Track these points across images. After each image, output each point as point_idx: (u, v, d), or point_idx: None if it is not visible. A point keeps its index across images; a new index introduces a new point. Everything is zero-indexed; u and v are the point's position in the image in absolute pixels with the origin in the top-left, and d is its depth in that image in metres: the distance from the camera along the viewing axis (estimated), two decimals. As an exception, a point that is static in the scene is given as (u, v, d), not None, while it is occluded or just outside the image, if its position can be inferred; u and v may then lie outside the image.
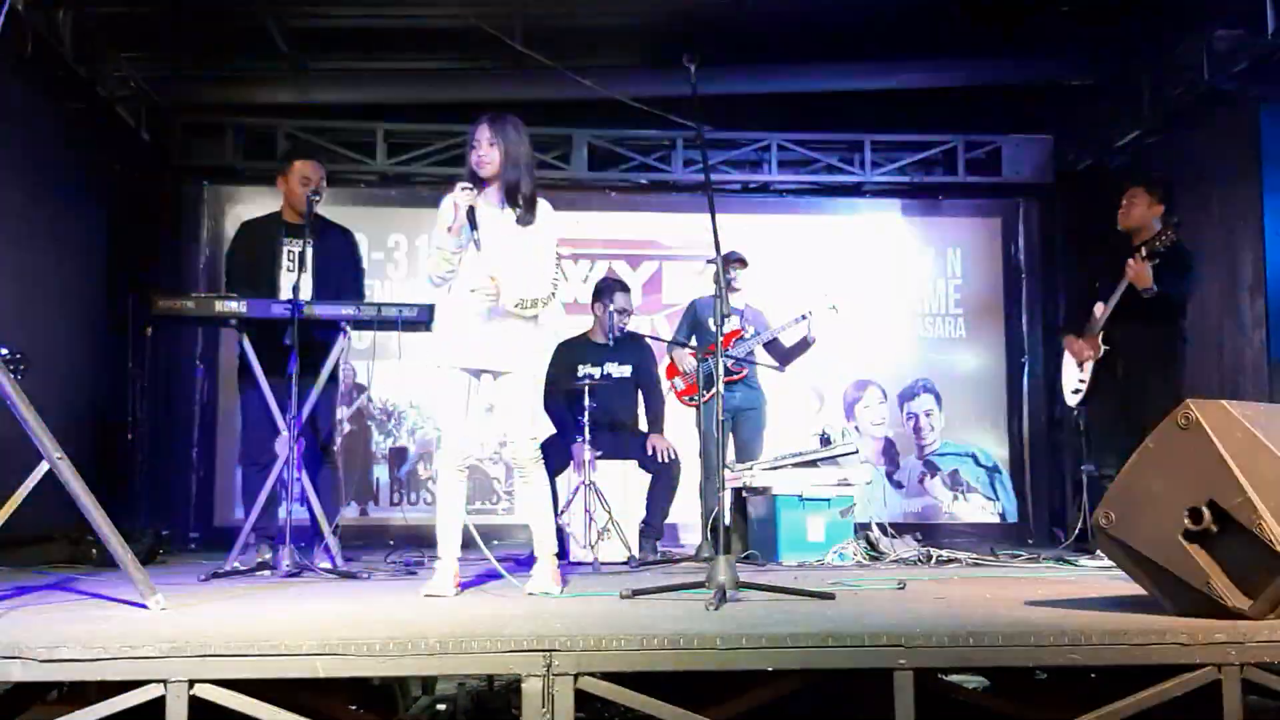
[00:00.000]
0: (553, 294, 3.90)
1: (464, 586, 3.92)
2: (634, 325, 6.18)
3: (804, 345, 6.22)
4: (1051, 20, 6.74)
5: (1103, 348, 5.47)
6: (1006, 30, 6.91)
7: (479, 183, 3.82)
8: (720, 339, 4.01)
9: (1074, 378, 5.68)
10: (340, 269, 5.10)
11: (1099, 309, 5.48)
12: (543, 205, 3.90)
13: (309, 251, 4.82)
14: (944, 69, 7.34)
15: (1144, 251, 5.24)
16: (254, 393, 4.77)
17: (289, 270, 4.99)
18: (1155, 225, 5.34)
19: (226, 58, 7.40)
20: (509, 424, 3.87)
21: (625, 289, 6.13)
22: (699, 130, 4.11)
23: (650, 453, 5.75)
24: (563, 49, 7.20)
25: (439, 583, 3.73)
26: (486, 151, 3.81)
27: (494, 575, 4.21)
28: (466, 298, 3.81)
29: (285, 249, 5.02)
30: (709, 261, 6.32)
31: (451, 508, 3.87)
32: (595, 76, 7.20)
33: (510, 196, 3.85)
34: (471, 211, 3.76)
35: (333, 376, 4.97)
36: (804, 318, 6.14)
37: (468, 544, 3.93)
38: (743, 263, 6.23)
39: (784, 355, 6.30)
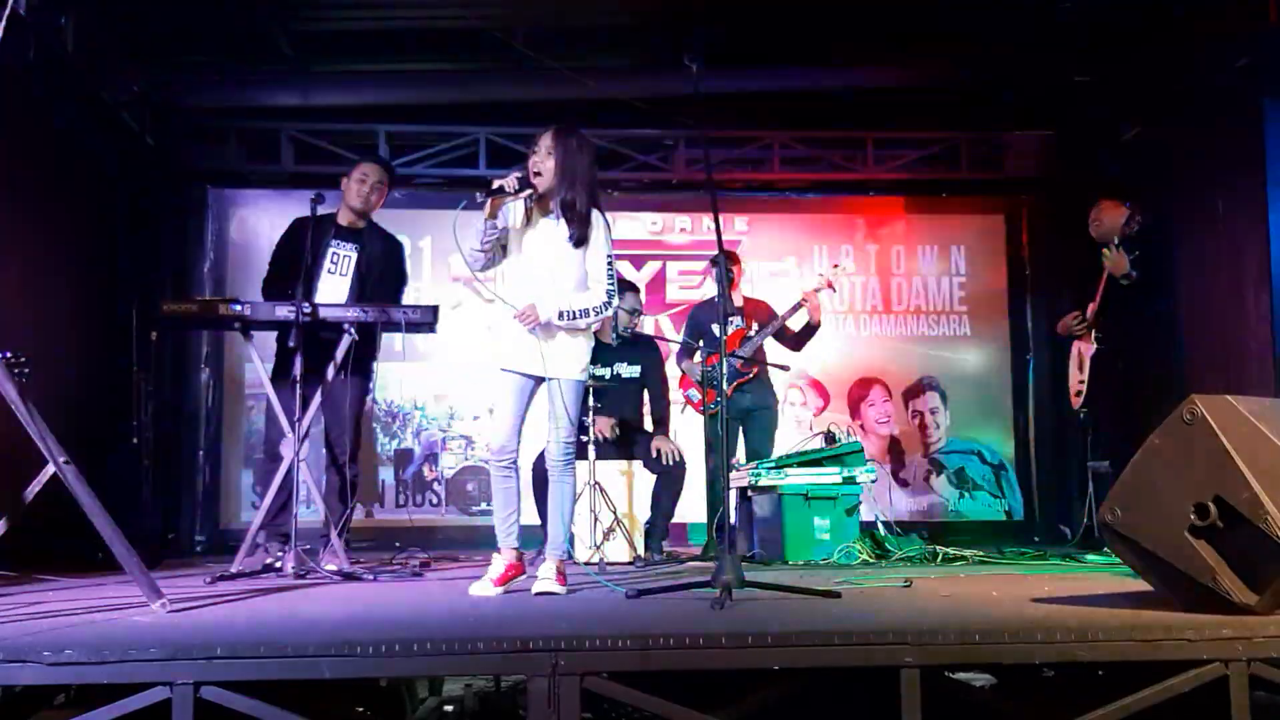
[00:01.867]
0: (607, 303, 3.96)
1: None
2: (639, 325, 6.18)
3: (810, 330, 6.20)
4: (1053, 16, 6.72)
5: (1094, 343, 5.63)
6: (1008, 27, 6.90)
7: (528, 186, 3.84)
8: (724, 339, 4.00)
9: (1075, 379, 5.82)
10: (381, 277, 5.15)
11: (1091, 309, 5.63)
12: (596, 218, 3.94)
13: (353, 255, 5.01)
14: (947, 66, 7.32)
15: (1116, 240, 5.54)
16: (287, 390, 4.77)
17: (330, 272, 5.04)
18: (1122, 223, 5.65)
19: (229, 61, 7.40)
20: (550, 427, 3.94)
21: (634, 289, 6.14)
22: (701, 129, 4.12)
23: (655, 455, 5.75)
24: (565, 49, 7.19)
25: (482, 582, 3.83)
26: (542, 160, 3.85)
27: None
28: (517, 301, 3.87)
29: (331, 250, 5.07)
30: (712, 261, 6.39)
31: (504, 504, 3.94)
32: (597, 76, 7.20)
33: (566, 213, 3.89)
34: (502, 192, 3.78)
35: (365, 377, 5.01)
36: (801, 304, 6.13)
37: (468, 543, 3.95)
38: (731, 259, 6.24)
39: (794, 342, 6.29)
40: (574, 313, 3.88)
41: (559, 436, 3.92)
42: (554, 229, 3.92)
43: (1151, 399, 5.36)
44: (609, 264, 3.98)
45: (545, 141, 3.87)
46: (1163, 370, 5.45)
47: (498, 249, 3.94)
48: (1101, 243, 5.68)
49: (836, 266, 6.34)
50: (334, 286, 5.05)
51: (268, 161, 7.84)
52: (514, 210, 3.92)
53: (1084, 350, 5.81)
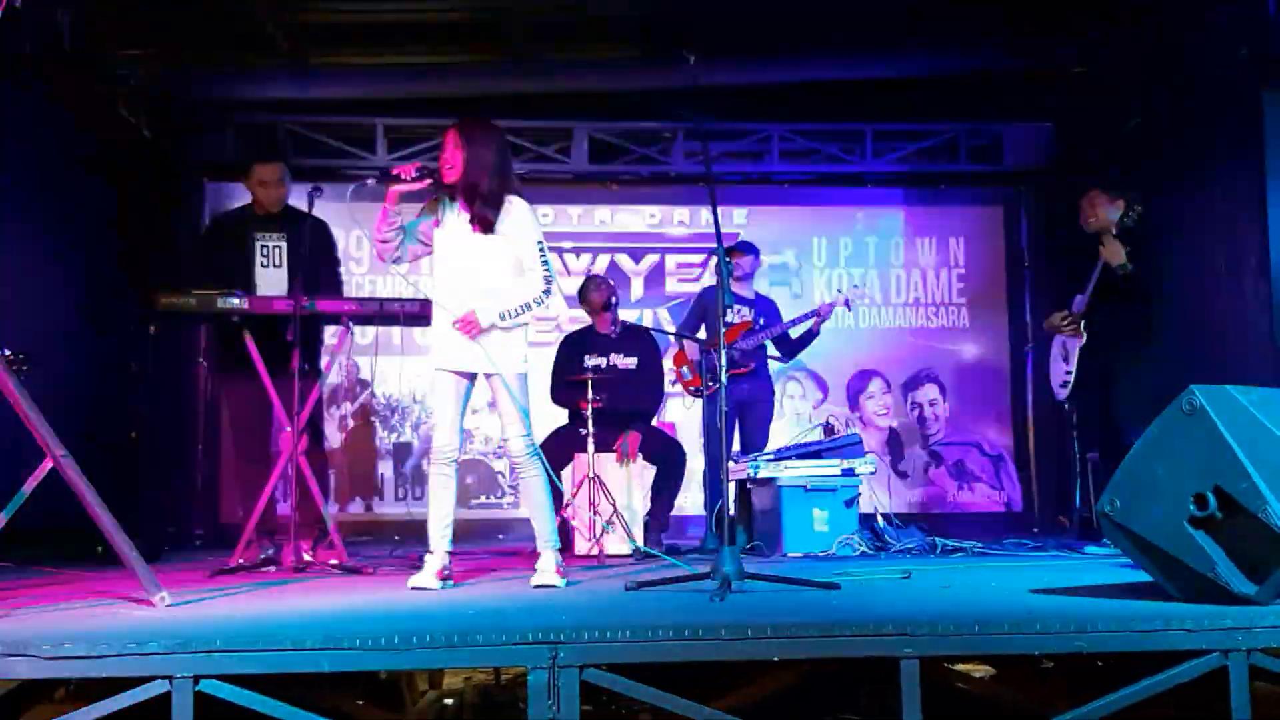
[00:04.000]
0: (547, 290, 3.88)
1: (458, 580, 3.95)
2: (635, 318, 6.19)
3: (809, 337, 6.22)
4: (1051, 6, 6.71)
5: (1084, 335, 5.61)
6: (1006, 17, 6.88)
7: (429, 176, 3.82)
8: (722, 332, 3.99)
9: (1061, 370, 5.83)
10: (317, 260, 5.02)
11: (1077, 300, 5.62)
12: (515, 205, 3.87)
13: (284, 245, 4.89)
14: (944, 57, 7.31)
15: (1114, 230, 5.47)
16: (243, 388, 4.75)
17: (263, 265, 4.97)
18: (1117, 216, 5.56)
19: (226, 54, 7.38)
20: (503, 423, 3.92)
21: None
22: (699, 122, 4.10)
23: (615, 446, 5.73)
24: (563, 42, 7.18)
25: (425, 575, 3.78)
26: (450, 154, 3.81)
27: (491, 568, 4.19)
28: (446, 300, 3.85)
29: (259, 243, 5.00)
30: (712, 253, 6.40)
31: (441, 501, 3.89)
32: (595, 69, 7.18)
33: (469, 199, 3.84)
34: (397, 179, 3.81)
35: (317, 371, 4.98)
36: (816, 314, 6.13)
37: (467, 536, 3.95)
38: (744, 251, 6.24)
39: (790, 349, 6.30)
40: (514, 311, 3.83)
41: (515, 431, 3.89)
42: (465, 222, 3.88)
43: (1135, 390, 5.37)
44: (540, 250, 3.88)
45: (451, 139, 3.82)
46: (1150, 364, 5.42)
47: (404, 241, 3.91)
48: (1095, 235, 5.62)
49: (858, 288, 6.35)
50: (271, 279, 4.95)
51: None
52: (438, 206, 3.91)
53: (1069, 343, 5.78)
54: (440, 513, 3.89)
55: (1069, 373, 5.73)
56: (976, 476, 8.25)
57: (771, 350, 6.29)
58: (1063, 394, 5.84)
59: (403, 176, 3.80)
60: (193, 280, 5.02)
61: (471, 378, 3.91)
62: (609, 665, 2.46)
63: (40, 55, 5.76)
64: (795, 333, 6.25)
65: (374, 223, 3.86)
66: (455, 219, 3.90)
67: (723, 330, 3.97)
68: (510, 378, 3.86)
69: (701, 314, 6.25)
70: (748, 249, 6.31)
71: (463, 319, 3.79)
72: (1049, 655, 2.82)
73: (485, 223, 3.83)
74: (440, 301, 3.87)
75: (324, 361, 5.13)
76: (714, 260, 6.18)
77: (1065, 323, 5.72)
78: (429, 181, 3.81)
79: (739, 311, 6.21)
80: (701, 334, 6.15)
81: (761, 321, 6.20)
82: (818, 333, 6.20)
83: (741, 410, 6.15)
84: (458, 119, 3.88)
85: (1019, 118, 8.10)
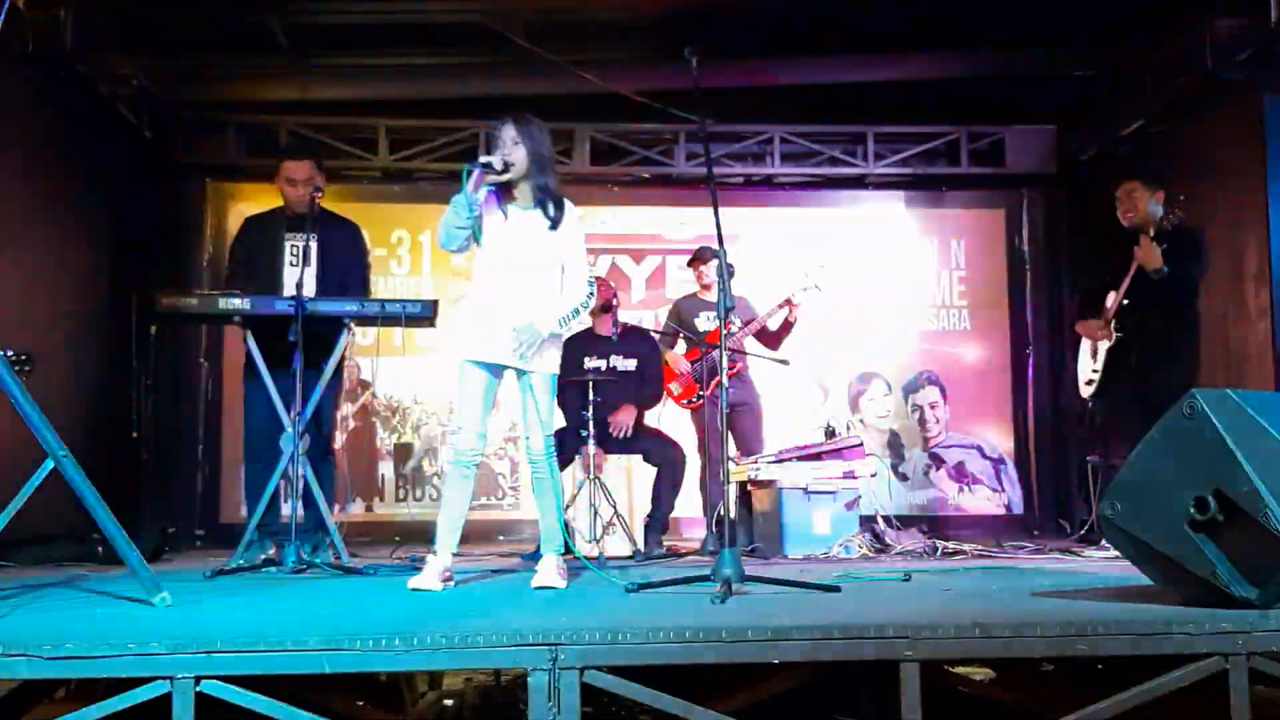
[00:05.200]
0: (592, 294, 3.95)
1: (458, 582, 3.95)
2: (636, 319, 6.18)
3: (788, 328, 6.21)
4: (1054, 9, 6.71)
5: (1115, 335, 5.47)
6: (1009, 20, 6.88)
7: (506, 170, 3.77)
8: (723, 331, 3.98)
9: (1087, 369, 5.67)
10: (346, 263, 5.07)
11: (1111, 298, 5.48)
12: (567, 205, 3.90)
13: (313, 246, 4.83)
14: (946, 59, 7.31)
15: (1151, 233, 5.28)
16: (256, 388, 4.76)
17: (292, 265, 4.97)
18: (1160, 213, 5.35)
19: (228, 55, 7.38)
20: (528, 421, 3.89)
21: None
22: (701, 123, 4.11)
23: (610, 427, 5.72)
24: (564, 43, 7.17)
25: (427, 576, 3.73)
26: (509, 150, 3.78)
27: (491, 570, 4.20)
28: (493, 294, 3.82)
29: (288, 244, 5.01)
30: (698, 258, 6.41)
31: (455, 503, 3.88)
32: (597, 70, 7.19)
33: (540, 197, 3.84)
34: (490, 168, 3.72)
35: (336, 372, 4.97)
36: (788, 302, 6.12)
37: (467, 537, 3.94)
38: (706, 259, 6.24)
39: (772, 340, 6.28)
40: (567, 316, 3.86)
41: (543, 430, 3.88)
42: (528, 218, 3.84)
43: (1165, 395, 5.22)
44: (585, 253, 3.97)
45: (509, 132, 3.77)
46: (1181, 368, 5.23)
47: (472, 232, 3.83)
48: (1133, 230, 5.40)
49: (823, 267, 6.31)
50: (297, 279, 4.96)
51: (266, 155, 7.81)
52: (481, 196, 3.84)
53: (1100, 342, 5.63)
54: (452, 514, 3.86)
55: (1095, 371, 5.59)
56: (977, 479, 8.25)
57: (757, 348, 6.27)
58: (1087, 392, 5.69)
59: (495, 165, 3.73)
60: (231, 283, 5.03)
61: (500, 373, 3.87)
62: (610, 667, 2.45)
63: (42, 55, 5.76)
64: (773, 324, 6.24)
65: (456, 210, 3.72)
66: (517, 214, 3.85)
67: (723, 329, 3.97)
68: (547, 376, 3.87)
69: (679, 324, 6.25)
70: (712, 254, 6.31)
71: (520, 333, 3.74)
72: (1049, 658, 2.82)
73: (555, 220, 3.82)
74: (489, 295, 3.81)
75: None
76: (708, 263, 6.23)
77: (1100, 333, 5.54)
78: (508, 176, 3.77)
79: (712, 319, 6.19)
80: (681, 346, 6.16)
81: (737, 323, 6.18)
82: (795, 320, 6.17)
83: (730, 414, 6.13)
84: (511, 114, 3.80)
85: (1021, 120, 8.10)
